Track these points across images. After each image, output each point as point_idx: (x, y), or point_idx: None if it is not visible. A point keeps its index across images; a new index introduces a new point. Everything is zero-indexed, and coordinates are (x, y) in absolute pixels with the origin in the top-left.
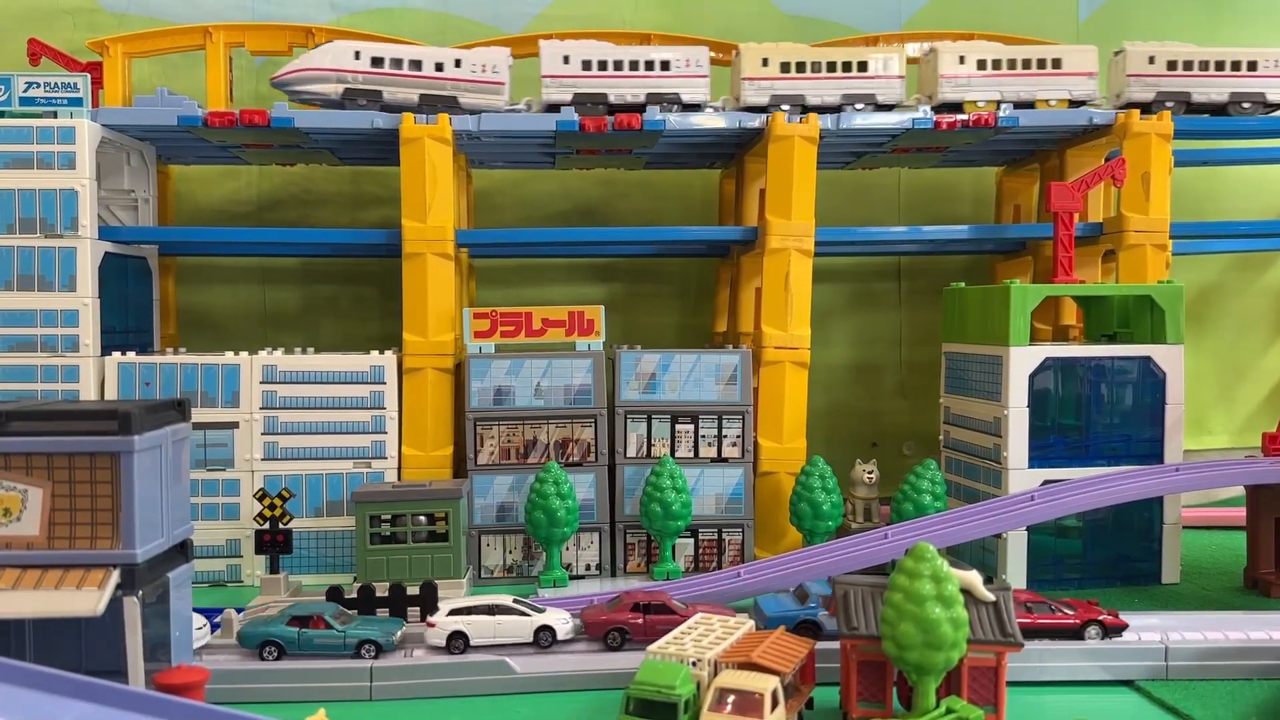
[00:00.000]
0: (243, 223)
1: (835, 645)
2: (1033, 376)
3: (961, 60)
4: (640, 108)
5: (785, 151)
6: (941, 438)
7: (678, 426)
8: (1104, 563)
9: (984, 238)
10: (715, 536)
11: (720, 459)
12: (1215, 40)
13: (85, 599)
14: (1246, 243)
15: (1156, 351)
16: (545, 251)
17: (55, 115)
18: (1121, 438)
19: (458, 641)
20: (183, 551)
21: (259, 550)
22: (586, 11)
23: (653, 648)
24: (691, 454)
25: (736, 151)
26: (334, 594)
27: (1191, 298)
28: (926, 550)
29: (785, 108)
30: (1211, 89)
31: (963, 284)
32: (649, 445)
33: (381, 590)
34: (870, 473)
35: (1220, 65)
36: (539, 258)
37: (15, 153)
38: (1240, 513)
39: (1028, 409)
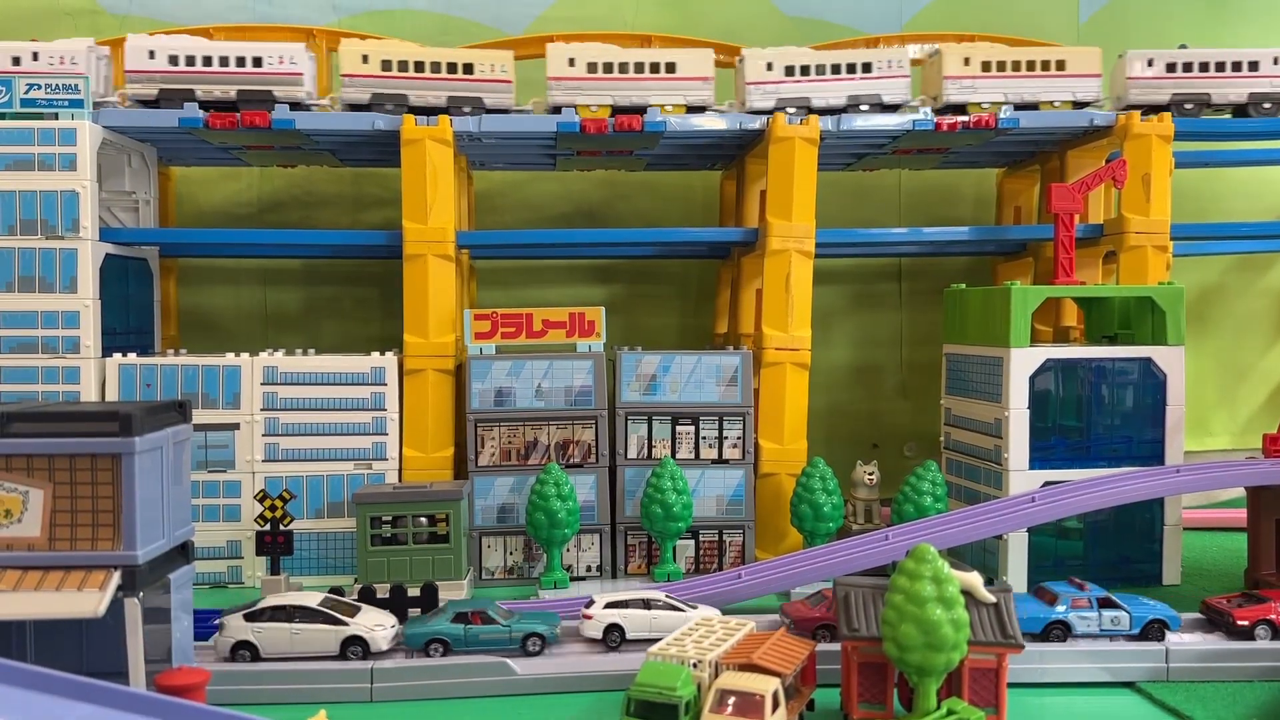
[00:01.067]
0: (244, 224)
1: (836, 646)
2: (1033, 378)
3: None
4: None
5: (786, 153)
6: (942, 439)
7: (678, 428)
8: (1105, 564)
9: (985, 239)
10: (716, 538)
11: (721, 460)
12: (1218, 41)
13: (86, 600)
14: (1247, 244)
15: (1157, 353)
16: (546, 253)
17: (56, 117)
18: (1122, 439)
19: (614, 634)
20: (184, 553)
21: (260, 551)
22: (588, 13)
23: (653, 649)
24: (692, 455)
25: (737, 153)
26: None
27: (1192, 299)
28: (927, 552)
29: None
30: (830, 93)
31: (963, 285)
32: (650, 447)
33: (382, 592)
34: (871, 474)
35: (837, 69)
36: (540, 259)
37: (16, 154)
38: (1241, 514)
39: (1028, 410)
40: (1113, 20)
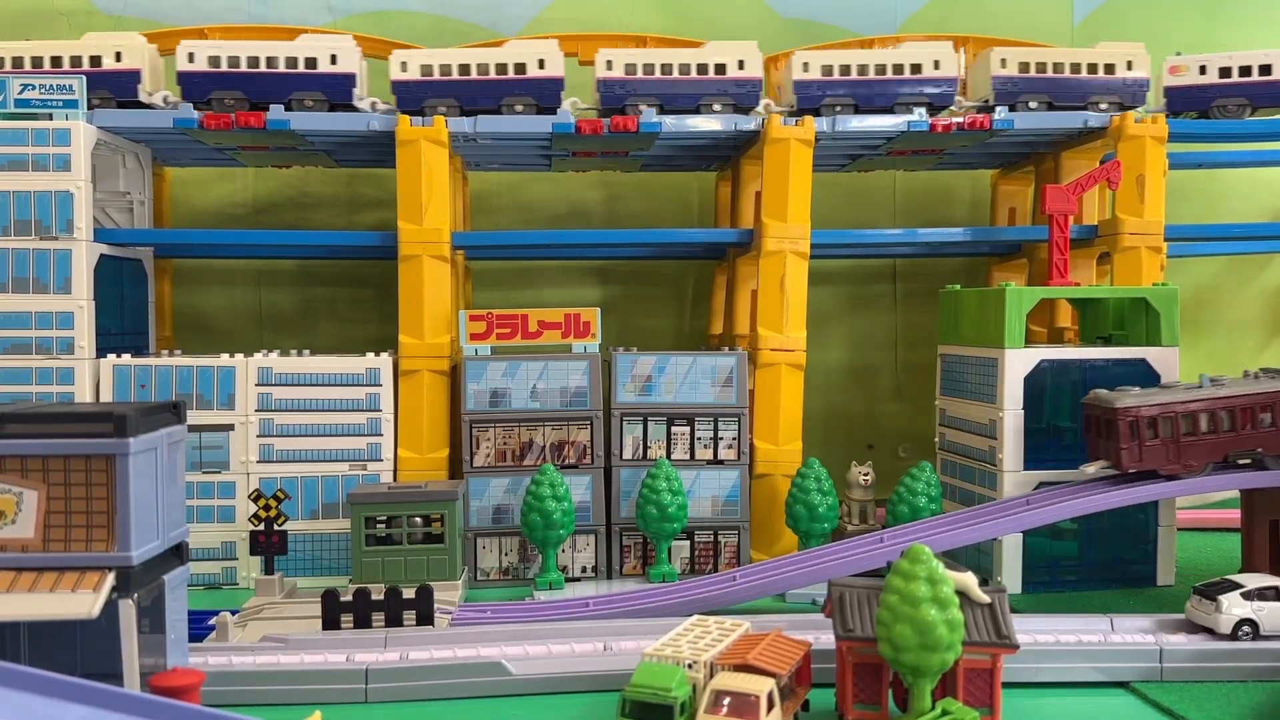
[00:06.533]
0: (239, 225)
1: (831, 647)
2: (1028, 379)
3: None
4: None
5: (781, 154)
6: (937, 440)
7: (674, 428)
8: (1099, 565)
9: (979, 240)
10: (711, 539)
11: (716, 461)
12: (1214, 43)
13: (81, 601)
14: (1242, 245)
15: (1152, 354)
16: (541, 254)
17: (50, 117)
18: None
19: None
20: (178, 554)
21: (254, 551)
22: (584, 14)
23: (649, 649)
24: (688, 456)
25: (733, 154)
26: (329, 597)
27: (1187, 300)
28: (922, 552)
29: None
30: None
31: (958, 286)
32: (645, 447)
33: (377, 593)
34: (866, 475)
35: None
36: (535, 260)
37: (10, 155)
38: (1235, 514)
39: (1023, 411)
40: (1107, 22)
